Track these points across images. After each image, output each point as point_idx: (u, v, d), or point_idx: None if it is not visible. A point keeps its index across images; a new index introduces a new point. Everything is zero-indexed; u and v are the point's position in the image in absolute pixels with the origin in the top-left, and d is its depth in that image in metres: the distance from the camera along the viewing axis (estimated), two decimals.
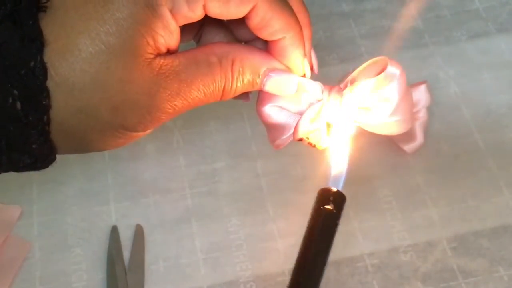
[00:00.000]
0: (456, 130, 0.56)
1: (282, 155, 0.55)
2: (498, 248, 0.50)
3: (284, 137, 0.38)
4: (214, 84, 0.34)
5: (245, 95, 0.38)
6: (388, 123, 0.37)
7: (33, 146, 0.32)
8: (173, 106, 0.33)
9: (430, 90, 0.54)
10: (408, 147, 0.54)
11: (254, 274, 0.49)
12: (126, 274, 0.49)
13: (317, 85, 0.36)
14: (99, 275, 0.50)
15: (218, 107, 0.58)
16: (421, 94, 0.53)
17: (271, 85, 0.36)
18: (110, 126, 0.33)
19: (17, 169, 0.34)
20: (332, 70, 0.58)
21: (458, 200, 0.52)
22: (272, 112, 0.37)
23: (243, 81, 0.35)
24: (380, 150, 0.55)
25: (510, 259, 0.49)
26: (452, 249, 0.50)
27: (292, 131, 0.37)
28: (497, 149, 0.55)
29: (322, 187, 0.40)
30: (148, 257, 0.50)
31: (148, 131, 0.36)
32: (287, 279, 0.49)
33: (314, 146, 0.38)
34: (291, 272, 0.49)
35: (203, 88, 0.34)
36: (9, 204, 0.52)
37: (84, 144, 0.35)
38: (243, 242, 0.51)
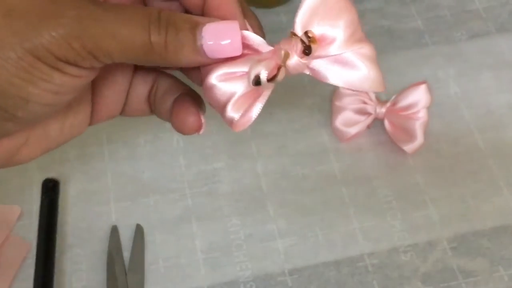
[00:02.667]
0: (456, 130, 0.56)
1: (282, 155, 0.55)
2: (498, 248, 0.50)
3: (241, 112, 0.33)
4: (136, 25, 0.30)
5: (197, 119, 0.36)
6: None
7: None
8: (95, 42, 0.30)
9: (430, 90, 0.54)
10: (408, 147, 0.54)
11: (254, 274, 0.49)
12: (126, 274, 0.49)
13: (261, 39, 0.32)
14: (99, 275, 0.50)
15: None
16: (421, 94, 0.53)
17: (210, 42, 0.31)
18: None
19: None
20: None
21: (458, 200, 0.53)
22: (218, 82, 0.32)
23: (176, 33, 0.31)
24: (380, 150, 0.55)
25: (510, 259, 0.49)
26: (452, 249, 0.50)
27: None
28: (497, 149, 0.55)
29: None
30: (148, 257, 0.50)
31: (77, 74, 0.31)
32: (287, 278, 0.49)
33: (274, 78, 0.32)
34: (291, 272, 0.50)
35: (123, 26, 0.30)
36: (9, 204, 0.52)
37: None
38: (243, 242, 0.51)
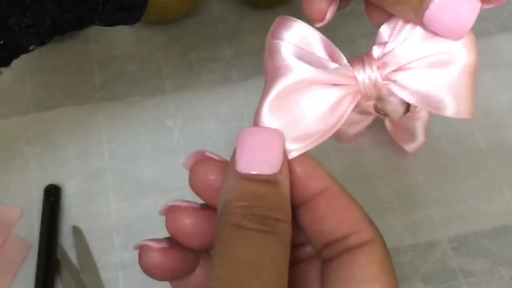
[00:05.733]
0: (457, 130, 0.56)
1: None
2: (499, 248, 0.50)
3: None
4: None
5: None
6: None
7: None
8: None
9: None
10: (409, 147, 0.54)
11: None
12: (79, 274, 0.49)
13: None
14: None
15: (218, 107, 0.58)
16: None
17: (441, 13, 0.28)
18: None
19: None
20: None
21: (459, 200, 0.52)
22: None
23: None
24: (380, 150, 0.55)
25: (511, 259, 0.49)
26: (453, 249, 0.50)
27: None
28: (497, 149, 0.55)
29: None
30: None
31: None
32: None
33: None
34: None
35: None
36: (9, 205, 0.52)
37: None
38: None
